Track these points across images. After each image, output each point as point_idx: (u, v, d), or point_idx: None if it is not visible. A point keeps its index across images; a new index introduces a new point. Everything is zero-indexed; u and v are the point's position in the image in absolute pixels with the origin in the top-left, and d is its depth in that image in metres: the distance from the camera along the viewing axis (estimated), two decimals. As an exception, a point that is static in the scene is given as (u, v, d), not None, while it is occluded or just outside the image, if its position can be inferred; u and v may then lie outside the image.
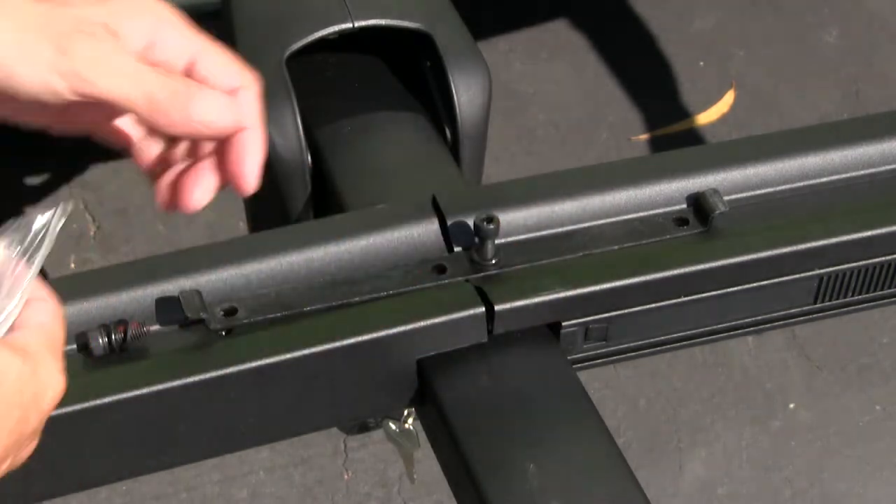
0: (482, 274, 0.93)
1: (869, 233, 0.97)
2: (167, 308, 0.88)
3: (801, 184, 1.01)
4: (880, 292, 1.02)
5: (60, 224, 0.71)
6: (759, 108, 2.50)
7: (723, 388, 2.12)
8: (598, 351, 0.97)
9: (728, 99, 2.51)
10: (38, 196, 2.28)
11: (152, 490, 1.96)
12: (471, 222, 0.95)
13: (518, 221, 0.96)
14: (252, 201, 1.30)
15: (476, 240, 0.93)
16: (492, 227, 0.91)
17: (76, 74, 0.70)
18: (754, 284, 0.97)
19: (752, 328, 1.02)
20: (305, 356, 0.85)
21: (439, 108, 1.24)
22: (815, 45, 2.62)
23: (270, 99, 1.15)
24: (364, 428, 1.36)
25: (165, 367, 0.83)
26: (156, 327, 0.87)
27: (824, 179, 1.02)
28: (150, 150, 0.82)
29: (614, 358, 0.99)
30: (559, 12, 2.63)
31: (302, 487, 1.98)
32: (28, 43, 0.70)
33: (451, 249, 0.94)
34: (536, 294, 0.90)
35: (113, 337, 0.85)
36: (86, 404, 0.80)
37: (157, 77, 0.72)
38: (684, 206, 0.98)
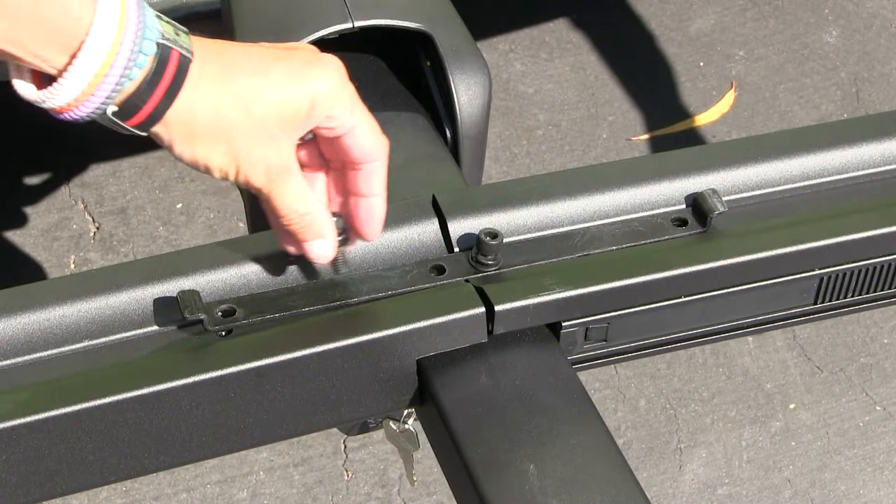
0: (482, 274, 0.93)
1: (869, 233, 0.97)
2: (166, 308, 0.88)
3: (801, 184, 1.01)
4: (880, 292, 1.02)
5: None
6: (759, 108, 2.50)
7: (723, 388, 2.12)
8: (598, 351, 0.97)
9: (728, 99, 2.51)
10: (38, 196, 2.28)
11: (152, 490, 1.96)
12: (471, 223, 0.94)
13: (518, 221, 0.96)
14: (252, 201, 1.29)
15: (476, 242, 0.93)
16: (495, 242, 0.91)
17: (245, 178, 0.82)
18: (754, 284, 0.96)
19: (752, 328, 1.01)
20: (304, 357, 0.85)
21: (439, 108, 1.23)
22: (815, 45, 2.62)
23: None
24: (364, 428, 1.36)
25: (163, 368, 0.83)
26: (154, 328, 0.87)
27: (824, 179, 1.02)
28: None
29: (614, 358, 0.99)
30: (559, 12, 2.63)
31: (302, 487, 1.98)
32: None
33: (450, 250, 0.94)
34: (536, 294, 0.90)
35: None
36: (84, 405, 0.80)
37: (308, 207, 0.85)
38: (683, 206, 0.98)
